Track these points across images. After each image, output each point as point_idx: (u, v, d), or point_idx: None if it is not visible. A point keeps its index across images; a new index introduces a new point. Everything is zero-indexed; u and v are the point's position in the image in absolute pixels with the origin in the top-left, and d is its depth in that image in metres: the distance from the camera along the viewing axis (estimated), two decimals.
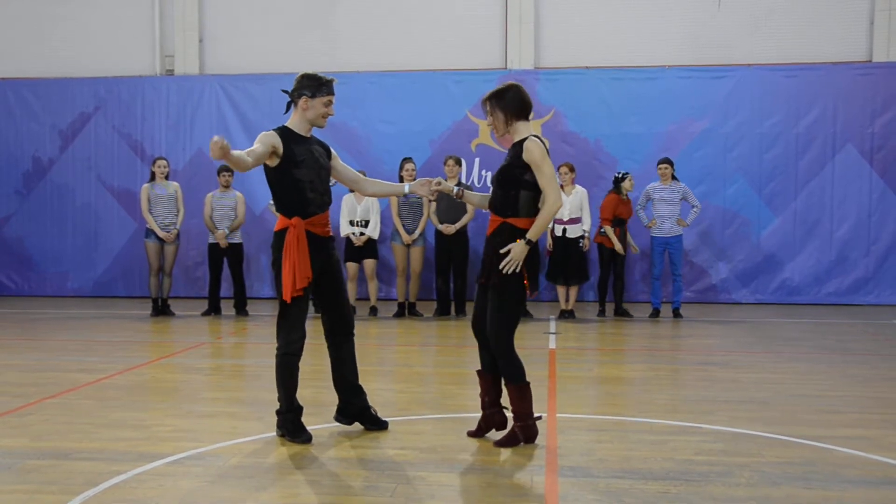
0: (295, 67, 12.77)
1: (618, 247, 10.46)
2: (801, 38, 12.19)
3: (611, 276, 10.76)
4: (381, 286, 11.83)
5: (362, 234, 10.71)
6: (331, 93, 5.06)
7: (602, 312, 10.66)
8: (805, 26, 12.18)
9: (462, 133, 12.45)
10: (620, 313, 10.62)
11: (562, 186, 10.67)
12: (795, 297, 12.06)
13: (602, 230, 10.62)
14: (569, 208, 10.49)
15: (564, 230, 10.49)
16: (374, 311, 10.75)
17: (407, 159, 10.80)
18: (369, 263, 10.80)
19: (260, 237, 12.53)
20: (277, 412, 5.07)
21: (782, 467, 4.47)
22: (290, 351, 5.08)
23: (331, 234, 5.15)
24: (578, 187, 10.64)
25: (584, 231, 10.55)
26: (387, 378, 7.12)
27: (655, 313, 10.57)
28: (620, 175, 10.64)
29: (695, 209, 10.60)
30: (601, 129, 12.18)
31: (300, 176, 4.99)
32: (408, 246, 10.70)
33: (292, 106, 5.12)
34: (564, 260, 10.49)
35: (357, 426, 5.24)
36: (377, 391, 6.53)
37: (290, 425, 4.97)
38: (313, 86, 5.01)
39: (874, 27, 12.09)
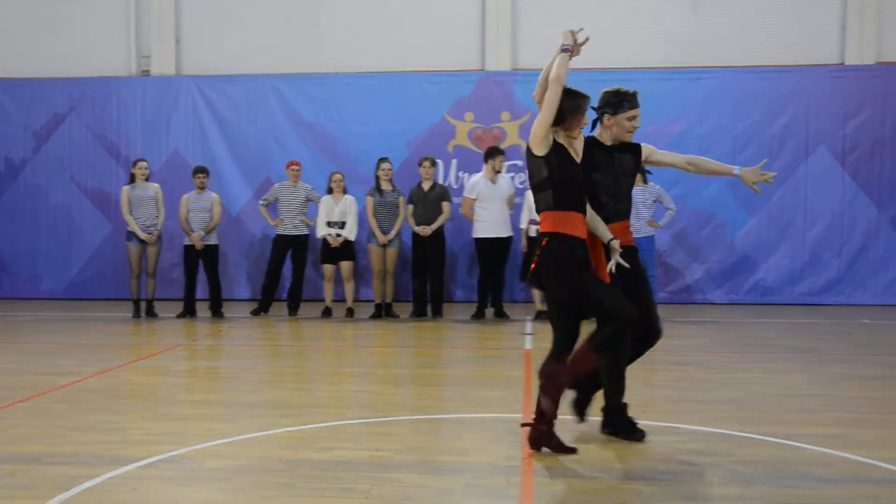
0: (272, 69, 12.79)
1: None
2: (776, 41, 12.28)
3: None
4: (359, 287, 11.79)
5: (339, 235, 10.69)
6: (634, 106, 4.97)
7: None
8: (779, 30, 12.29)
9: (439, 134, 12.44)
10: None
11: None
12: (769, 297, 12.16)
13: None
14: None
15: (539, 231, 10.50)
16: (350, 312, 10.73)
17: (383, 159, 10.80)
18: (346, 265, 10.78)
19: (236, 238, 12.47)
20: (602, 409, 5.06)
21: (755, 466, 4.51)
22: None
23: (631, 243, 5.08)
24: None
25: None
26: (363, 379, 7.11)
27: None
28: None
29: (670, 211, 10.65)
30: None
31: (595, 178, 4.94)
32: (384, 247, 10.70)
33: (598, 123, 5.08)
34: None
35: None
36: (353, 393, 6.53)
37: (620, 424, 5.04)
38: (614, 102, 4.97)
39: (846, 31, 12.22)
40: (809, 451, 4.76)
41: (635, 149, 5.09)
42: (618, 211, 5.00)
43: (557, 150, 4.62)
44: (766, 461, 4.60)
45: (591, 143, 4.95)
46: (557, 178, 4.60)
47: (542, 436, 4.70)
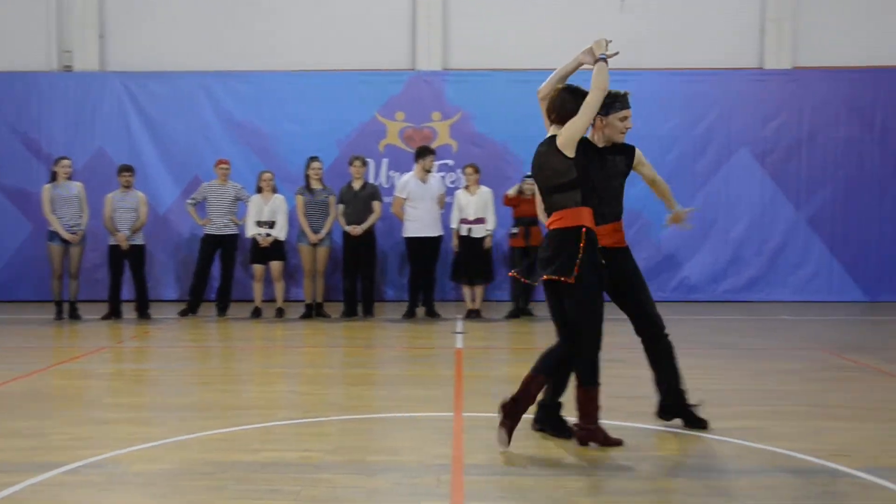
0: (201, 66, 12.60)
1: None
2: (699, 44, 12.58)
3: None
4: (289, 287, 11.68)
5: (268, 234, 10.60)
6: (625, 106, 5.02)
7: (514, 313, 10.75)
8: (702, 33, 12.59)
9: (370, 133, 12.42)
10: (527, 313, 10.77)
11: (467, 187, 10.78)
12: (693, 294, 12.45)
13: (513, 231, 10.75)
14: (474, 208, 10.61)
15: (470, 230, 10.60)
16: (280, 312, 10.65)
17: (313, 158, 10.75)
18: (276, 265, 10.69)
19: (164, 238, 12.25)
20: (540, 404, 5.07)
21: (678, 459, 4.64)
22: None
23: (623, 244, 5.15)
24: (483, 188, 10.76)
25: (488, 230, 10.67)
26: (293, 380, 7.07)
27: None
28: (526, 177, 10.80)
29: None
30: (508, 131, 12.31)
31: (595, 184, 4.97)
32: (314, 246, 10.64)
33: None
34: (470, 259, 10.60)
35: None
36: (283, 393, 6.49)
37: (552, 421, 5.08)
38: (606, 103, 4.94)
39: (764, 36, 12.60)
40: (731, 444, 4.90)
41: (628, 151, 5.20)
42: (608, 213, 5.09)
43: (581, 153, 4.72)
44: (689, 454, 4.73)
45: (583, 144, 4.99)
46: (585, 179, 4.71)
47: (589, 434, 4.81)
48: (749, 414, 5.63)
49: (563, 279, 4.65)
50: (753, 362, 7.66)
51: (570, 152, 4.69)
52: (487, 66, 12.56)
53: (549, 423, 5.08)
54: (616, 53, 4.82)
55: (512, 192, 10.71)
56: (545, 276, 4.74)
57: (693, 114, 12.30)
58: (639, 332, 5.27)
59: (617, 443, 4.82)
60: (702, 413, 5.27)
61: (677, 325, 10.04)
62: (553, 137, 4.78)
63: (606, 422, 5.32)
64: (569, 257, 4.63)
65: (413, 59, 12.71)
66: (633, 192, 12.38)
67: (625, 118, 5.04)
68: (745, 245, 12.44)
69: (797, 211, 12.38)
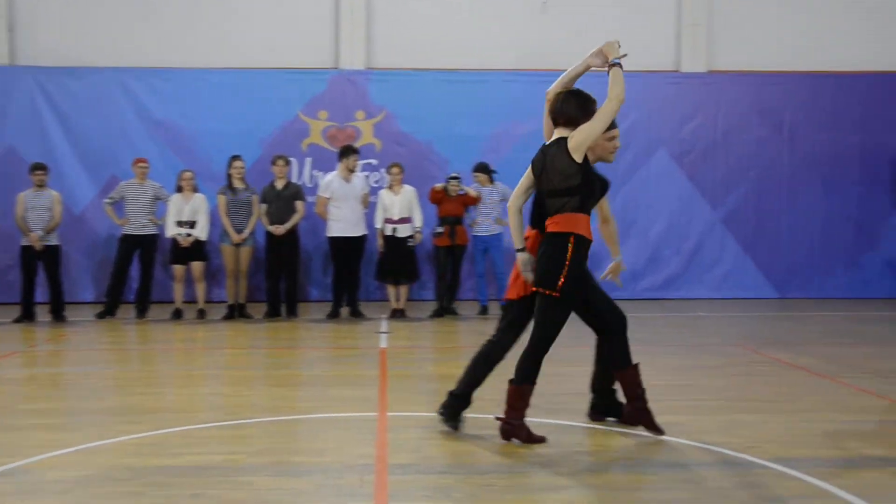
0: (118, 61, 12.29)
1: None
2: None
3: (447, 274, 10.90)
4: (211, 288, 11.50)
5: (189, 234, 10.42)
6: (614, 126, 4.98)
7: (438, 312, 10.79)
8: (621, 36, 12.61)
9: (293, 132, 12.31)
10: (451, 312, 10.82)
11: (391, 186, 10.77)
12: (615, 293, 12.51)
13: (438, 230, 10.78)
14: (398, 207, 10.61)
15: (395, 229, 10.60)
16: (202, 313, 10.48)
17: (235, 157, 10.60)
18: (197, 265, 10.52)
19: (80, 238, 11.91)
20: (450, 392, 5.14)
21: (601, 455, 4.74)
22: (499, 346, 5.11)
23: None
24: (407, 187, 10.77)
25: (416, 229, 10.70)
26: (216, 382, 6.98)
27: (483, 311, 10.84)
28: (449, 177, 10.85)
29: None
30: (432, 131, 12.36)
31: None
32: (237, 246, 10.50)
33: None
34: (395, 259, 10.60)
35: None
36: (205, 396, 6.39)
37: (451, 410, 5.11)
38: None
39: (681, 40, 12.93)
40: (651, 439, 5.02)
41: (604, 181, 5.27)
42: None
43: (586, 160, 4.75)
44: (612, 450, 4.83)
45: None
46: (586, 185, 4.75)
47: (513, 429, 4.91)
48: (668, 409, 5.75)
49: (546, 292, 4.74)
50: (672, 359, 7.85)
51: (579, 157, 4.72)
52: (411, 66, 12.57)
53: (449, 411, 5.13)
54: (626, 55, 4.82)
55: (439, 186, 10.76)
56: (531, 287, 4.86)
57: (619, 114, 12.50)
58: (597, 331, 5.33)
59: (540, 440, 4.89)
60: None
61: None
62: (563, 139, 4.78)
63: (529, 419, 5.39)
64: (555, 267, 4.70)
65: (336, 58, 12.64)
66: None
67: (614, 137, 5.06)
68: (663, 244, 12.73)
69: (713, 211, 12.74)
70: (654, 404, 5.69)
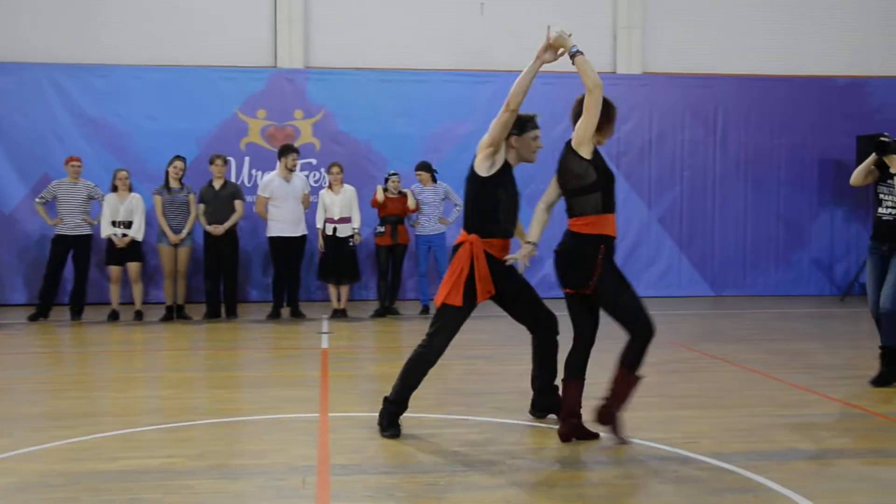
0: (49, 57, 12.00)
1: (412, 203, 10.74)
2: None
3: (388, 274, 10.89)
4: (148, 289, 11.30)
5: (125, 235, 10.23)
6: (536, 126, 5.10)
7: (379, 312, 10.77)
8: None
9: (231, 131, 12.17)
10: (393, 312, 10.82)
11: (331, 186, 10.73)
12: (554, 291, 12.67)
13: (379, 230, 10.76)
14: (339, 207, 10.57)
15: (335, 229, 10.56)
16: (139, 315, 10.30)
17: (178, 157, 10.41)
18: (133, 266, 10.33)
19: (10, 239, 11.58)
20: (385, 399, 5.12)
21: (541, 453, 4.79)
22: (430, 352, 5.06)
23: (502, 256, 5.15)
24: (347, 186, 10.74)
25: (355, 229, 10.67)
26: (154, 384, 6.87)
27: (425, 310, 10.86)
28: (388, 176, 10.87)
29: (457, 207, 10.95)
30: (371, 130, 12.34)
31: (502, 196, 5.05)
32: (174, 246, 10.34)
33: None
34: (335, 259, 10.56)
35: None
36: (143, 399, 6.30)
37: (389, 417, 5.07)
38: (519, 124, 5.04)
39: (617, 42, 13.13)
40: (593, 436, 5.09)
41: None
42: (509, 230, 5.23)
43: (597, 153, 4.77)
44: (550, 448, 4.88)
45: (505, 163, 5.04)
46: (604, 182, 4.77)
47: (611, 416, 4.93)
48: None
49: (582, 291, 4.86)
50: (610, 356, 7.94)
51: (585, 153, 4.77)
52: (350, 65, 12.54)
53: (386, 418, 5.11)
54: (582, 54, 4.90)
55: (379, 196, 10.70)
56: (565, 290, 4.95)
57: (552, 116, 12.44)
58: (532, 330, 5.39)
59: (624, 442, 4.92)
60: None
61: None
62: (568, 140, 4.86)
63: (470, 418, 5.44)
64: (586, 270, 4.78)
65: (274, 57, 12.54)
66: None
67: (536, 137, 5.17)
68: None
69: (649, 210, 12.97)
70: (593, 402, 5.77)
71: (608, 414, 4.94)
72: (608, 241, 4.82)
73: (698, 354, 8.01)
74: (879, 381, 6.55)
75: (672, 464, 4.55)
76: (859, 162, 12.62)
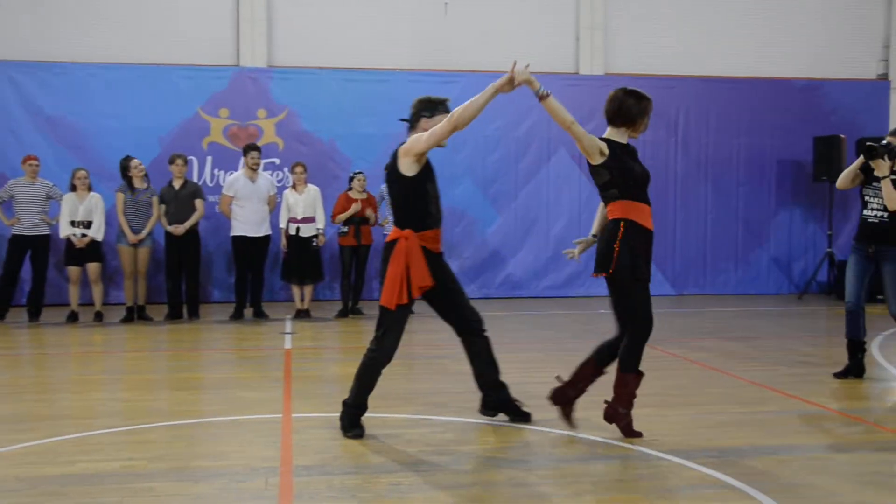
0: (4, 54, 11.82)
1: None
2: (518, 48, 12.98)
3: (351, 274, 10.86)
4: (109, 290, 11.16)
5: (84, 235, 10.10)
6: (448, 110, 5.11)
7: (343, 312, 10.75)
8: (521, 37, 13.05)
9: (193, 130, 12.06)
10: (356, 312, 10.80)
11: (294, 186, 10.68)
12: (518, 291, 12.89)
13: (342, 230, 10.74)
14: (302, 207, 10.53)
15: (298, 229, 10.51)
16: (99, 316, 10.17)
17: (128, 158, 10.27)
18: (93, 267, 10.20)
19: None
20: (344, 402, 5.15)
21: (505, 452, 4.81)
22: (382, 355, 5.06)
23: (440, 250, 5.23)
24: (311, 186, 10.70)
25: (318, 229, 10.63)
26: (114, 386, 6.79)
27: None
28: (353, 175, 10.85)
29: None
30: (335, 130, 12.31)
31: (430, 190, 5.14)
32: (134, 247, 10.23)
33: (412, 130, 5.20)
34: (299, 259, 10.51)
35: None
36: (103, 401, 6.22)
37: (350, 419, 5.08)
38: (430, 106, 5.15)
39: (580, 43, 13.23)
40: (553, 435, 5.13)
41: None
42: (440, 219, 5.26)
43: (613, 155, 4.93)
44: (515, 446, 4.91)
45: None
46: (620, 180, 4.93)
47: (617, 416, 5.07)
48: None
49: (602, 274, 4.94)
50: (574, 355, 7.99)
51: (593, 160, 4.96)
52: (313, 65, 12.49)
53: (347, 420, 5.12)
54: (548, 95, 4.93)
55: (343, 210, 10.64)
56: (593, 273, 5.05)
57: (516, 115, 12.71)
58: (459, 331, 5.39)
59: (637, 435, 4.99)
60: (525, 406, 5.48)
61: (503, 321, 10.43)
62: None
63: (435, 417, 5.45)
64: (608, 250, 4.89)
65: (237, 55, 12.45)
66: (458, 191, 12.91)
67: None
68: (564, 242, 12.95)
69: None
70: (585, 398, 5.81)
71: (614, 414, 5.10)
72: (629, 224, 4.91)
73: (659, 353, 8.09)
74: (842, 374, 6.79)
75: (633, 461, 4.60)
76: (816, 162, 12.99)
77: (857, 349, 6.81)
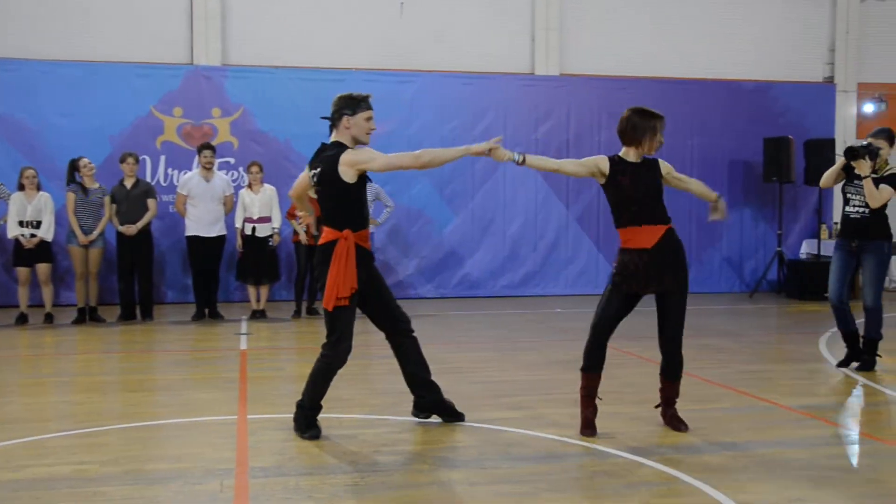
0: None
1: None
2: (476, 48, 13.09)
3: (307, 274, 10.81)
4: (59, 291, 10.96)
5: (33, 235, 9.91)
6: (369, 107, 5.16)
7: (297, 312, 10.70)
8: (477, 38, 13.10)
9: (146, 129, 11.90)
10: (312, 312, 10.75)
11: (250, 185, 10.60)
12: (475, 290, 12.93)
13: (299, 223, 10.67)
14: (258, 207, 10.46)
15: (254, 229, 10.43)
16: (49, 318, 9.99)
17: (79, 158, 10.09)
18: (43, 268, 10.01)
19: None
20: (298, 404, 5.14)
21: (460, 451, 4.83)
22: (337, 359, 5.07)
23: (369, 247, 5.25)
24: (267, 186, 10.63)
25: (274, 229, 10.57)
26: (65, 389, 6.68)
27: None
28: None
29: (388, 209, 10.97)
30: (290, 129, 12.22)
31: (364, 193, 5.18)
32: (85, 247, 10.06)
33: (334, 129, 5.20)
34: (255, 259, 10.43)
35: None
36: (54, 404, 6.12)
37: (305, 421, 5.08)
38: (352, 104, 5.12)
39: (535, 44, 13.31)
40: (507, 433, 5.16)
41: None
42: (367, 218, 5.27)
43: (614, 173, 5.27)
44: (469, 445, 4.93)
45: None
46: (614, 199, 5.30)
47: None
48: (523, 404, 5.93)
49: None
50: (528, 354, 8.07)
51: (600, 182, 5.40)
52: (268, 63, 12.40)
53: (302, 422, 5.11)
54: (523, 159, 5.24)
55: (302, 237, 10.55)
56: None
57: (471, 116, 12.75)
58: (388, 334, 5.39)
59: (591, 434, 5.12)
60: (465, 405, 5.49)
61: (459, 321, 10.46)
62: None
63: (390, 417, 5.45)
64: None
65: (191, 54, 12.32)
66: (415, 191, 12.91)
67: (369, 118, 5.18)
68: (520, 242, 13.07)
69: (567, 210, 13.17)
70: (510, 399, 5.87)
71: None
72: (620, 252, 5.27)
73: (613, 351, 8.13)
74: (844, 363, 7.25)
75: (588, 458, 4.65)
76: (766, 163, 13.21)
77: (853, 340, 7.17)
